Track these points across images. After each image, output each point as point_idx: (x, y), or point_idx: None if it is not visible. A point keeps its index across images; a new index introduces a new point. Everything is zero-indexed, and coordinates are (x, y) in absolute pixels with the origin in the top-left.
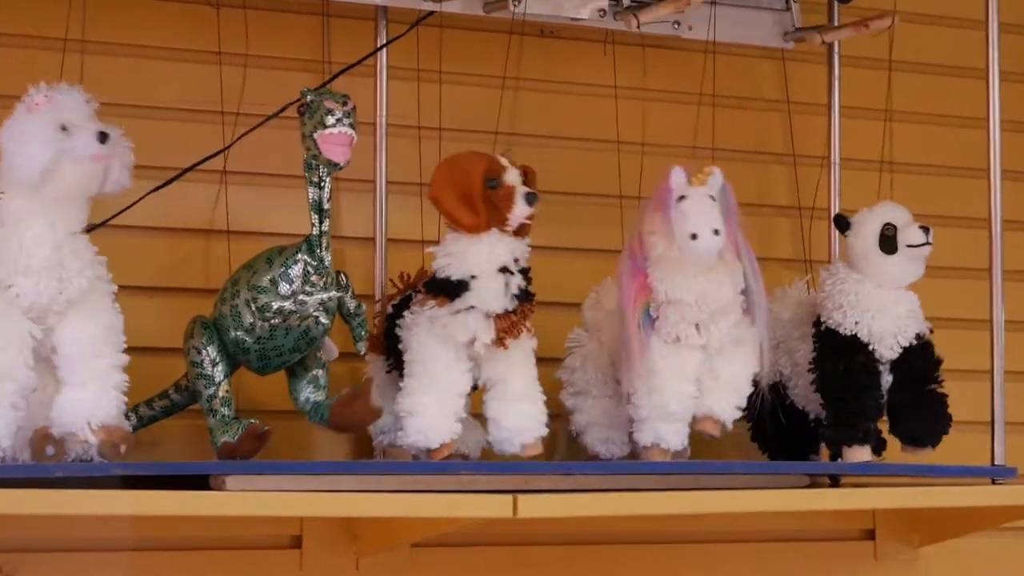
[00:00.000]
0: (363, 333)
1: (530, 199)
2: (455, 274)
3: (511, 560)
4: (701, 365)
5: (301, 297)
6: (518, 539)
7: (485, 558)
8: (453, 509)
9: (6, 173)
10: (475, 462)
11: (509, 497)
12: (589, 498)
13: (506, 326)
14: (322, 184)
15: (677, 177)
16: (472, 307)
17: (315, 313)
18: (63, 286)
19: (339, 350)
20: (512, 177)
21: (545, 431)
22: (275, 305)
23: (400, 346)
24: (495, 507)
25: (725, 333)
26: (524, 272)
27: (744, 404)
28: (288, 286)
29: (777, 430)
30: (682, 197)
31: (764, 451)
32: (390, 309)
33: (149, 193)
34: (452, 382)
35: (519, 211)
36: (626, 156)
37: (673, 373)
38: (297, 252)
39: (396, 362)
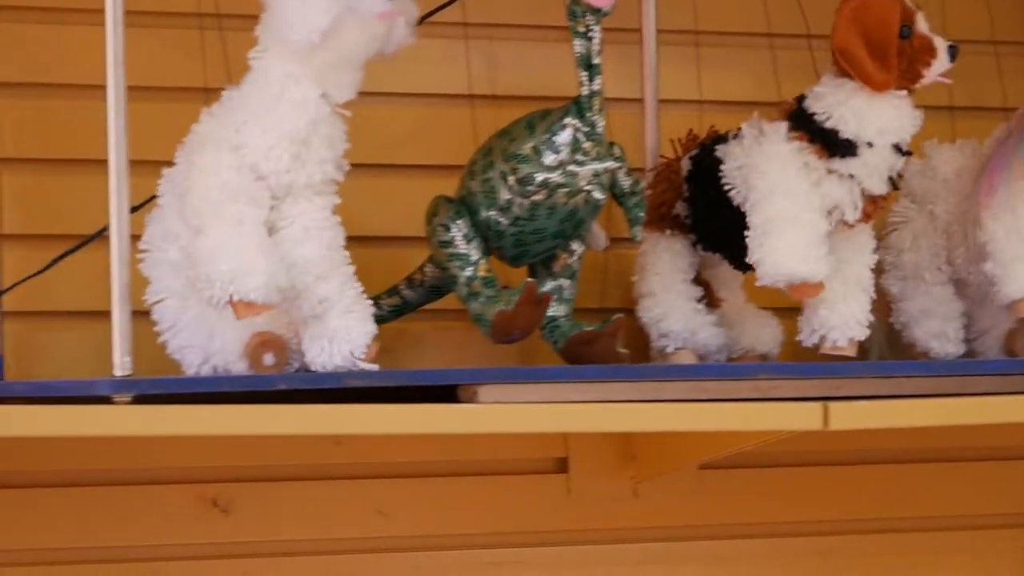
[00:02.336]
0: (641, 215)
1: (952, 52)
2: (849, 133)
3: (819, 483)
4: None
5: (571, 168)
6: (828, 458)
7: (788, 481)
8: (750, 421)
9: (275, 31)
10: (775, 363)
11: (818, 405)
12: (914, 405)
13: (871, 209)
14: (590, 34)
15: None
16: (852, 176)
17: (587, 187)
18: (294, 166)
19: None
20: (924, 24)
21: (868, 333)
22: (539, 177)
23: (727, 183)
24: (801, 418)
25: None
26: (908, 152)
27: None
28: (554, 155)
29: None
30: None
31: None
32: (688, 166)
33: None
34: (819, 213)
35: (939, 66)
36: None
37: None
38: (565, 116)
39: (706, 228)
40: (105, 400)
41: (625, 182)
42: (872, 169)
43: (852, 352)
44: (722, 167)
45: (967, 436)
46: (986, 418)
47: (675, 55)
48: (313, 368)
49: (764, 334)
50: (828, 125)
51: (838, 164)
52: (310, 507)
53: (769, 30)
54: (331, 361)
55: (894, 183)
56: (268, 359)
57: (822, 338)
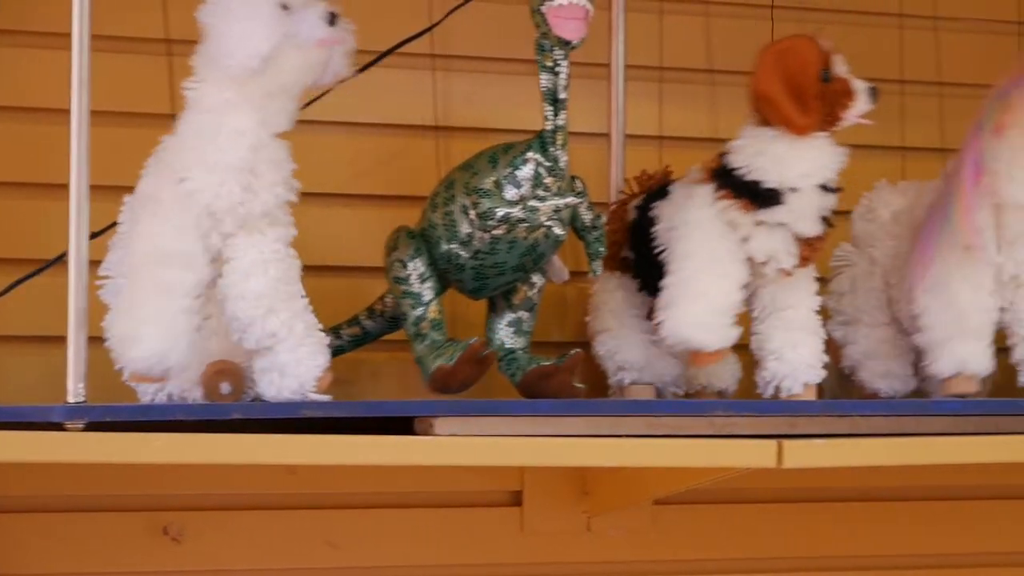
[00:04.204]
0: (601, 250)
1: (873, 94)
2: (770, 181)
3: (773, 520)
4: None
5: (531, 203)
6: (782, 495)
7: (741, 517)
8: (704, 458)
9: (212, 60)
10: (731, 400)
11: (773, 443)
12: (869, 444)
13: (808, 252)
14: (557, 69)
15: None
16: (782, 224)
17: (548, 223)
18: (246, 197)
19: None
20: (842, 67)
21: (822, 375)
22: (500, 211)
23: (657, 246)
24: (755, 455)
25: None
26: (836, 190)
27: None
28: (516, 190)
29: None
30: None
31: None
32: (634, 213)
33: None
34: (733, 281)
35: (858, 109)
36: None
37: (968, 281)
38: (528, 150)
39: (645, 276)
40: (57, 427)
41: (586, 216)
42: (800, 213)
43: (812, 397)
44: (656, 226)
45: (922, 475)
46: (941, 458)
47: (639, 91)
48: (265, 399)
49: (722, 371)
50: (750, 178)
51: (765, 215)
52: (262, 537)
53: (732, 67)
54: (280, 394)
55: (828, 221)
56: (224, 388)
57: (777, 388)
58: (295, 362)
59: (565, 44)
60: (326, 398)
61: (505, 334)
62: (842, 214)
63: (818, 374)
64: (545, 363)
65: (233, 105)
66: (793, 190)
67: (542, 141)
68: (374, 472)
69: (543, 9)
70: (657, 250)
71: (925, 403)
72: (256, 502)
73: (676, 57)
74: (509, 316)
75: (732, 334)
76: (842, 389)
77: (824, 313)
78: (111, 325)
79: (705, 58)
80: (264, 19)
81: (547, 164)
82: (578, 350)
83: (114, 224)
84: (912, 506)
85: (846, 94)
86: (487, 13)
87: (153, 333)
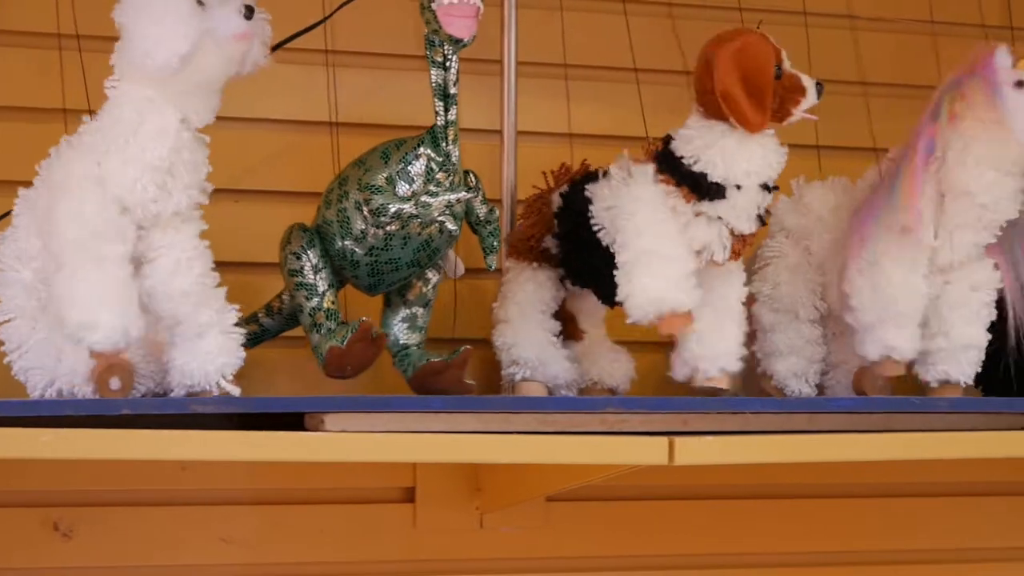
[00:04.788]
0: (496, 244)
1: (819, 88)
2: (717, 176)
3: (664, 516)
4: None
5: (424, 199)
6: (674, 492)
7: (633, 514)
8: (596, 455)
9: (130, 60)
10: (623, 397)
11: (664, 440)
12: (760, 441)
13: (740, 247)
14: (448, 64)
15: (1002, 57)
16: (720, 218)
17: (440, 218)
18: (160, 196)
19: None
20: (788, 62)
21: (739, 366)
22: (392, 208)
23: (595, 224)
24: (647, 452)
25: (970, 242)
26: (775, 189)
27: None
28: (408, 186)
29: (995, 361)
30: (1021, 83)
31: (976, 384)
32: (559, 202)
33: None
34: (687, 250)
35: (807, 104)
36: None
37: (901, 264)
38: (419, 146)
39: (573, 266)
40: None
41: (481, 210)
42: (741, 210)
43: (725, 384)
44: (591, 207)
45: (814, 473)
46: (833, 456)
47: (544, 88)
48: (183, 386)
49: (615, 368)
50: (696, 168)
51: (706, 207)
52: (154, 532)
53: (636, 65)
54: (206, 380)
55: (762, 219)
56: (114, 383)
57: (694, 370)
58: (219, 348)
59: (456, 42)
60: (236, 390)
61: (399, 330)
62: None
63: (736, 363)
64: (436, 359)
65: (154, 104)
66: (738, 187)
67: (433, 136)
68: (267, 468)
69: (434, 7)
70: (596, 229)
71: (817, 400)
72: (148, 498)
73: (580, 55)
74: (403, 312)
75: (699, 294)
76: (745, 387)
77: (750, 298)
78: (62, 309)
79: (607, 55)
80: (182, 18)
81: (439, 159)
82: (468, 347)
83: (7, 214)
84: (804, 503)
85: (797, 90)
86: (383, 9)
87: (109, 311)
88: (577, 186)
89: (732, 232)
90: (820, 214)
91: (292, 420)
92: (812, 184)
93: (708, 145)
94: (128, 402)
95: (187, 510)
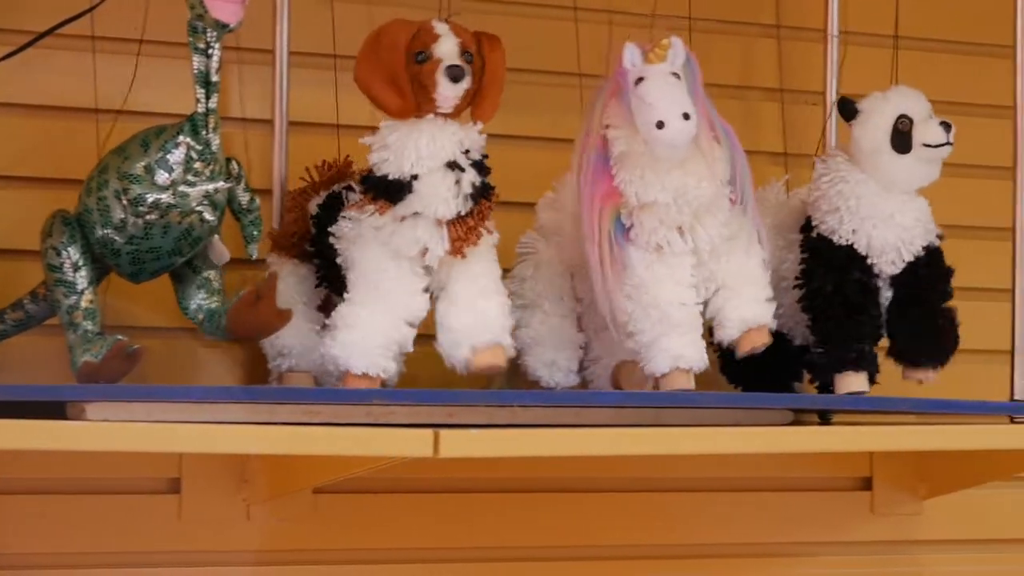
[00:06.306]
0: (256, 233)
1: (454, 74)
2: (393, 172)
3: (431, 509)
4: (697, 273)
5: (182, 188)
6: (440, 485)
7: (400, 506)
8: (361, 446)
9: None
10: (390, 389)
11: (429, 432)
12: (526, 435)
13: (462, 233)
14: (210, 51)
15: (631, 54)
16: (417, 213)
17: (199, 208)
18: None
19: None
20: (444, 49)
21: (507, 340)
22: (150, 198)
23: (339, 260)
24: (412, 444)
25: (715, 233)
26: (479, 165)
27: (771, 294)
28: (167, 175)
29: (752, 357)
30: (640, 79)
31: (734, 383)
32: (316, 209)
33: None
34: (404, 305)
35: (443, 90)
36: (587, 26)
37: (665, 279)
38: (178, 134)
39: (328, 274)
40: None
41: (243, 199)
42: (431, 197)
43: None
44: (333, 236)
45: (581, 467)
46: (599, 450)
47: (312, 78)
48: None
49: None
50: (378, 173)
51: (402, 208)
52: None
53: None
54: None
55: (475, 197)
56: None
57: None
58: None
59: (222, 27)
60: None
61: (199, 297)
62: (526, 206)
63: (491, 338)
64: (243, 292)
65: None
66: (415, 177)
67: (193, 125)
68: (30, 458)
69: None
70: (338, 260)
71: (584, 394)
72: None
73: (351, 46)
74: (197, 280)
75: (390, 368)
76: (510, 381)
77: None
78: None
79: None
80: None
81: (198, 148)
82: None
83: None
84: (572, 497)
85: (429, 74)
86: None
87: None
88: (333, 198)
89: (439, 222)
90: (575, 210)
91: (54, 409)
92: (565, 179)
93: (382, 145)
94: None
95: None
